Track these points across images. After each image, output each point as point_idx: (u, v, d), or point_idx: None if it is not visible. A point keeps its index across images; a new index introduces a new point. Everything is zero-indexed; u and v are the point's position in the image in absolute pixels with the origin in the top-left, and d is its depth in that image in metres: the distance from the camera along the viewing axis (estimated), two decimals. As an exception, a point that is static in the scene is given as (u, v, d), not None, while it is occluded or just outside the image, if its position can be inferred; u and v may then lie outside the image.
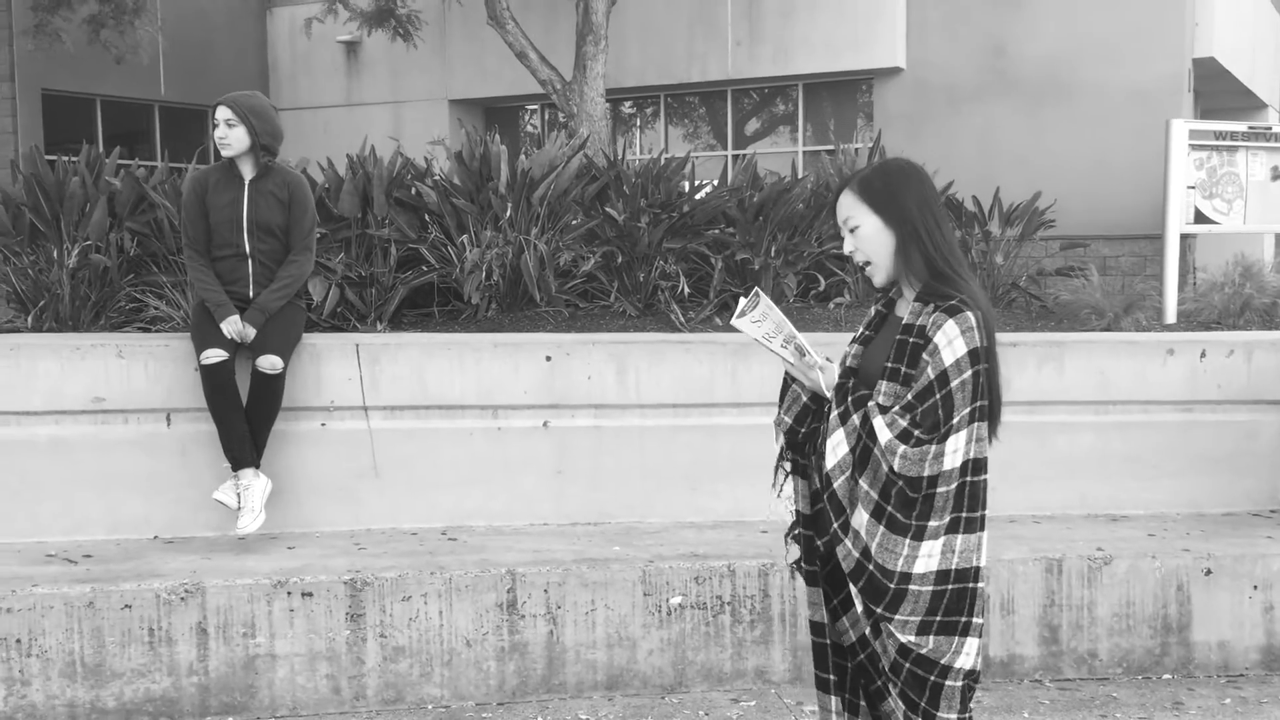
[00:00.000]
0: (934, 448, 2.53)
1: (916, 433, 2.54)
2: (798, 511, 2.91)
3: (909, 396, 2.58)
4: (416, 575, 4.42)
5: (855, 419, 2.62)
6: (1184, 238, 8.55)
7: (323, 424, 5.06)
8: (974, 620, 2.63)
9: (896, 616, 2.58)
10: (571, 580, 4.51)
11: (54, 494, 4.83)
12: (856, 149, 9.41)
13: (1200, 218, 8.18)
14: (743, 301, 2.78)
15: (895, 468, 2.54)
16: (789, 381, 2.88)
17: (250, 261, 4.96)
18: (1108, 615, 4.75)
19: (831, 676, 2.89)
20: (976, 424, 2.59)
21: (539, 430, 5.20)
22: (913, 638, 2.59)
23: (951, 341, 2.55)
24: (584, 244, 7.74)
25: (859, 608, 2.68)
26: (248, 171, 4.98)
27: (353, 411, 5.09)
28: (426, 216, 7.68)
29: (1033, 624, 4.72)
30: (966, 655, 2.63)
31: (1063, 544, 4.90)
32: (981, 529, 2.63)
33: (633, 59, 16.65)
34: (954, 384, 2.53)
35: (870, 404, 2.62)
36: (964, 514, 2.59)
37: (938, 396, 2.53)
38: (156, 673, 4.24)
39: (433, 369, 5.14)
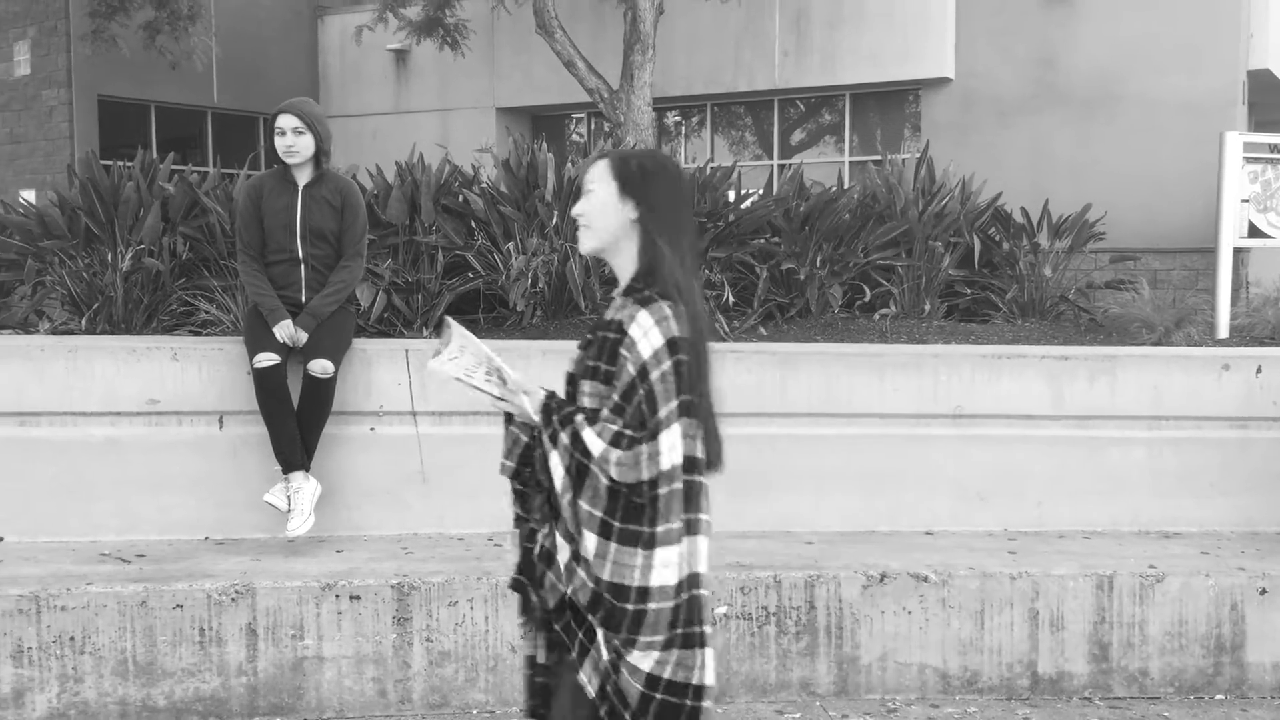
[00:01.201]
0: (647, 447, 2.37)
1: (628, 433, 2.38)
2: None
3: (615, 397, 2.43)
4: (463, 580, 4.44)
5: (564, 436, 2.45)
6: (1237, 251, 8.42)
7: (372, 428, 5.10)
8: (705, 630, 2.47)
9: (640, 638, 2.39)
10: (617, 588, 4.50)
11: (108, 494, 4.90)
12: (904, 159, 9.36)
13: (1254, 231, 8.05)
14: (436, 341, 2.57)
15: (614, 476, 2.38)
16: (507, 420, 2.63)
17: (303, 266, 4.99)
18: (1159, 633, 4.68)
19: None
20: (687, 420, 2.43)
21: (585, 438, 5.21)
22: (657, 656, 2.40)
23: (647, 332, 2.41)
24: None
25: (600, 640, 2.45)
26: (303, 177, 5.00)
27: (401, 417, 5.12)
28: (473, 223, 7.72)
29: (1082, 641, 4.66)
30: (708, 669, 2.47)
31: (1114, 560, 4.84)
32: (704, 533, 2.49)
33: (680, 68, 16.68)
34: (654, 376, 2.38)
35: (578, 417, 2.45)
36: (690, 515, 2.46)
37: (641, 392, 2.38)
38: (206, 672, 4.28)
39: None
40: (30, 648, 4.17)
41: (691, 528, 2.48)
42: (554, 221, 7.64)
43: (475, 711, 4.44)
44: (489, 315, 7.69)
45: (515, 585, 2.66)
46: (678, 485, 2.40)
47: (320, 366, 4.82)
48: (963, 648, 4.63)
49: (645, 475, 2.38)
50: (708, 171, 8.12)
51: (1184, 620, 4.69)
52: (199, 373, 4.98)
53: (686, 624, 2.44)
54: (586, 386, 2.50)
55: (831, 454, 5.30)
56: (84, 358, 4.92)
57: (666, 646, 2.41)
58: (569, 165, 7.95)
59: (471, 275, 7.57)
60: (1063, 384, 5.38)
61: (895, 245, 8.12)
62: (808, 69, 16.12)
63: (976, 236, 8.21)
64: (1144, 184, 13.60)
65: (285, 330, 4.84)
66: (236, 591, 4.29)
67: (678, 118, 18.34)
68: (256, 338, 4.86)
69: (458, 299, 7.61)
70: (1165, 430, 5.45)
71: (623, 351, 2.42)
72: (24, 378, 4.86)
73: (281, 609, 4.32)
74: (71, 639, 4.20)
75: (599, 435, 2.41)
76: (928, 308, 8.05)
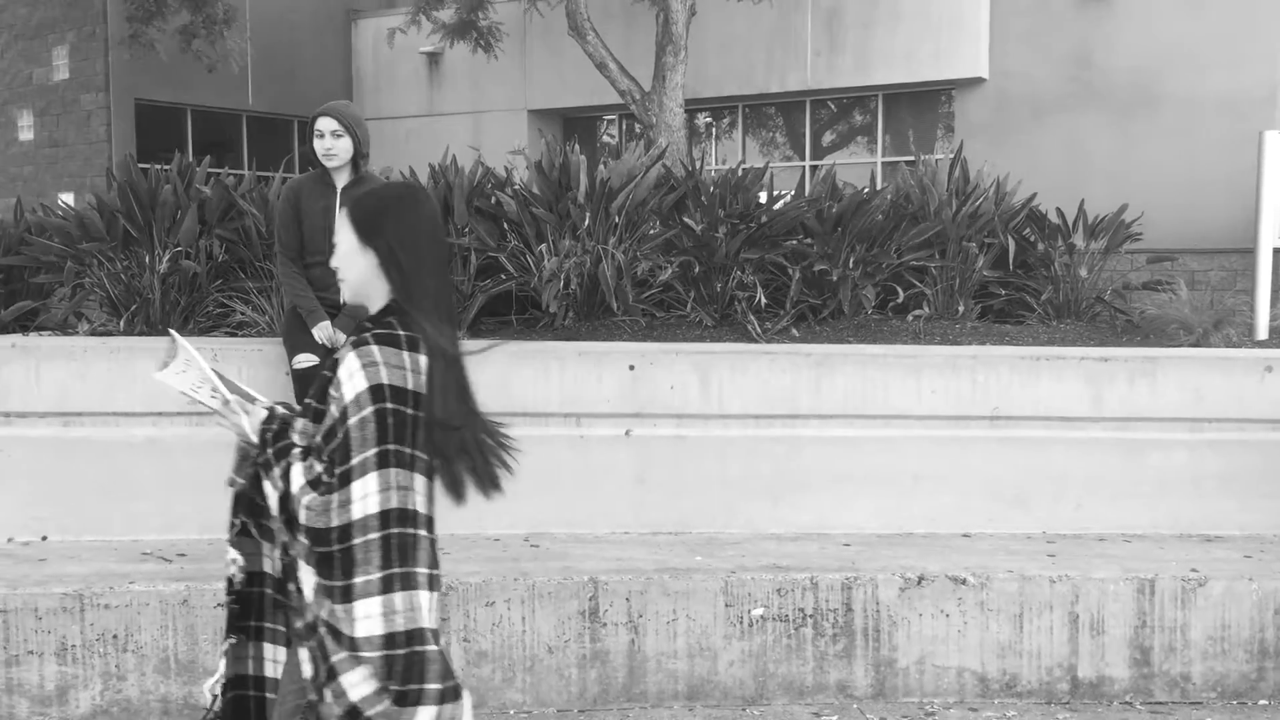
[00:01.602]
0: (338, 495, 2.28)
1: (325, 477, 2.31)
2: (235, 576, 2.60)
3: (318, 437, 2.36)
4: (500, 581, 4.46)
5: (277, 467, 2.39)
6: (1276, 252, 8.32)
7: (409, 429, 5.13)
8: (428, 687, 2.33)
9: (344, 678, 2.30)
10: (653, 589, 4.51)
11: (150, 493, 4.95)
12: (937, 159, 9.32)
13: (1295, 232, 7.96)
14: (163, 353, 2.55)
15: (302, 519, 2.31)
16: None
17: (327, 261, 5.05)
18: (1201, 638, 4.64)
19: None
20: (396, 470, 2.32)
21: (621, 439, 5.22)
22: (366, 693, 2.31)
23: (352, 375, 2.32)
24: (661, 254, 7.75)
25: (307, 671, 2.38)
26: (341, 180, 5.05)
27: (438, 417, 5.14)
28: (506, 225, 7.75)
29: (1123, 645, 4.62)
30: None
31: (1154, 564, 4.80)
32: (425, 588, 2.37)
33: (711, 69, 16.67)
34: (351, 422, 2.29)
35: (295, 449, 2.40)
36: (398, 569, 2.32)
37: (339, 436, 2.30)
38: (247, 671, 4.31)
39: (517, 376, 5.18)
40: (74, 645, 4.22)
41: (408, 581, 2.34)
42: (586, 223, 7.65)
43: (512, 712, 4.46)
44: (521, 317, 7.72)
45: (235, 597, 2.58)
46: (374, 536, 2.29)
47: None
48: (1001, 651, 4.60)
49: (334, 522, 2.29)
50: (739, 173, 8.12)
51: (1227, 625, 4.64)
52: (239, 373, 5.03)
53: (404, 680, 2.30)
54: (298, 423, 2.46)
55: (867, 456, 5.28)
56: (126, 358, 4.97)
57: (378, 695, 2.31)
58: (601, 167, 7.97)
59: (504, 277, 7.59)
60: (1102, 386, 5.34)
61: (929, 246, 8.08)
62: (840, 69, 16.08)
63: (1011, 237, 8.15)
64: (1182, 184, 13.48)
65: (324, 331, 4.90)
66: (276, 591, 4.33)
67: (709, 119, 18.33)
68: (295, 339, 4.92)
69: (490, 300, 7.64)
70: (1207, 433, 5.40)
71: (331, 391, 2.37)
72: (67, 379, 4.92)
73: (321, 608, 4.34)
74: (114, 637, 4.24)
75: (304, 472, 2.35)
76: (961, 309, 8.00)
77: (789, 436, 5.28)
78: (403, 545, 2.34)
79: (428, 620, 2.37)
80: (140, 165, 8.11)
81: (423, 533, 2.40)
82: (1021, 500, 5.32)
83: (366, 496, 2.29)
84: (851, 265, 7.79)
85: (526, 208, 7.74)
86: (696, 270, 7.72)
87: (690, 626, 4.53)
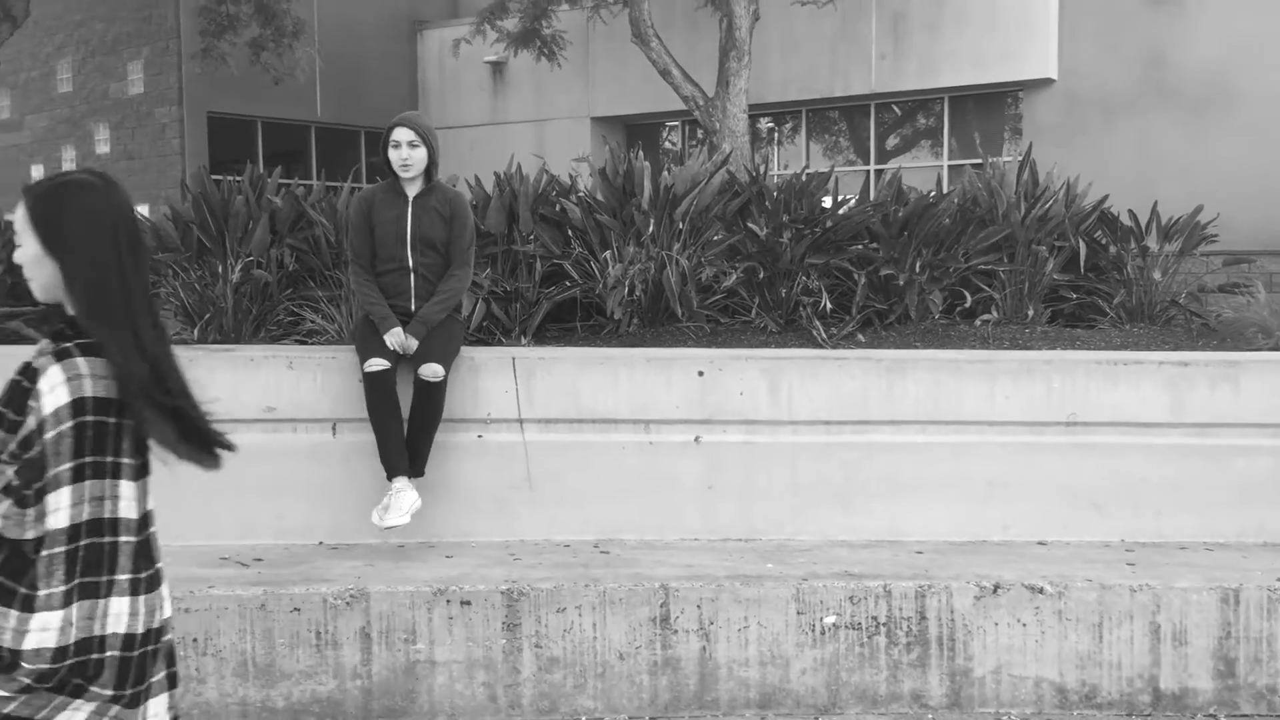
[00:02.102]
0: (34, 508, 2.24)
1: (18, 487, 2.26)
2: None
3: (13, 446, 2.29)
4: (571, 587, 4.47)
5: None
6: (1361, 253, 8.10)
7: (479, 436, 5.16)
8: (93, 689, 2.27)
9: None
10: (724, 596, 4.49)
11: (228, 499, 5.02)
12: (1006, 162, 9.20)
13: (1380, 232, 7.73)
14: None
15: None
16: None
17: (413, 275, 5.05)
18: (1288, 649, 4.51)
19: None
20: (92, 482, 2.26)
21: (690, 445, 5.21)
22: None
23: (54, 389, 2.25)
24: (725, 259, 7.73)
25: None
26: (412, 189, 5.06)
27: (508, 424, 5.18)
28: (570, 232, 7.78)
29: (1207, 656, 4.51)
30: None
31: (1239, 573, 4.68)
32: (125, 593, 2.31)
33: (774, 74, 16.62)
34: (49, 435, 2.23)
35: None
36: (83, 579, 2.26)
37: (37, 448, 2.25)
38: (322, 674, 4.37)
39: (586, 383, 5.19)
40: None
41: (93, 591, 2.29)
42: (650, 230, 7.66)
43: (584, 718, 4.46)
44: (586, 323, 7.74)
45: None
46: (63, 549, 2.25)
47: (431, 370, 4.87)
48: (1080, 661, 4.52)
49: (29, 534, 2.26)
50: (803, 178, 8.08)
51: (1314, 636, 4.51)
52: (313, 381, 5.09)
53: (60, 687, 2.25)
54: None
55: (939, 462, 5.22)
56: (205, 366, 5.05)
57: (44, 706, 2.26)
58: (665, 173, 7.97)
59: (569, 284, 7.63)
60: (1182, 391, 5.23)
61: (997, 250, 7.97)
62: (905, 72, 15.95)
63: (1082, 240, 8.03)
64: (1258, 184, 13.18)
65: (396, 338, 4.92)
66: (351, 596, 4.38)
67: (771, 124, 18.27)
68: (368, 344, 4.95)
69: (555, 307, 7.67)
70: (1291, 439, 5.25)
71: (30, 403, 2.31)
72: (147, 386, 5.01)
73: (394, 613, 4.39)
74: (195, 640, 4.32)
75: None
76: (1031, 313, 7.89)
77: (860, 443, 5.23)
78: (96, 555, 2.30)
79: (122, 625, 2.32)
80: (213, 176, 8.27)
81: (125, 538, 2.34)
82: (1099, 507, 5.22)
83: (58, 511, 2.26)
84: (918, 269, 7.71)
85: (591, 214, 7.77)
86: (761, 276, 7.69)
87: (762, 634, 4.50)
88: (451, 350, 5.07)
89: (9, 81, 20.46)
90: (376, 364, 4.83)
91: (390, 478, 4.86)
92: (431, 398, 4.90)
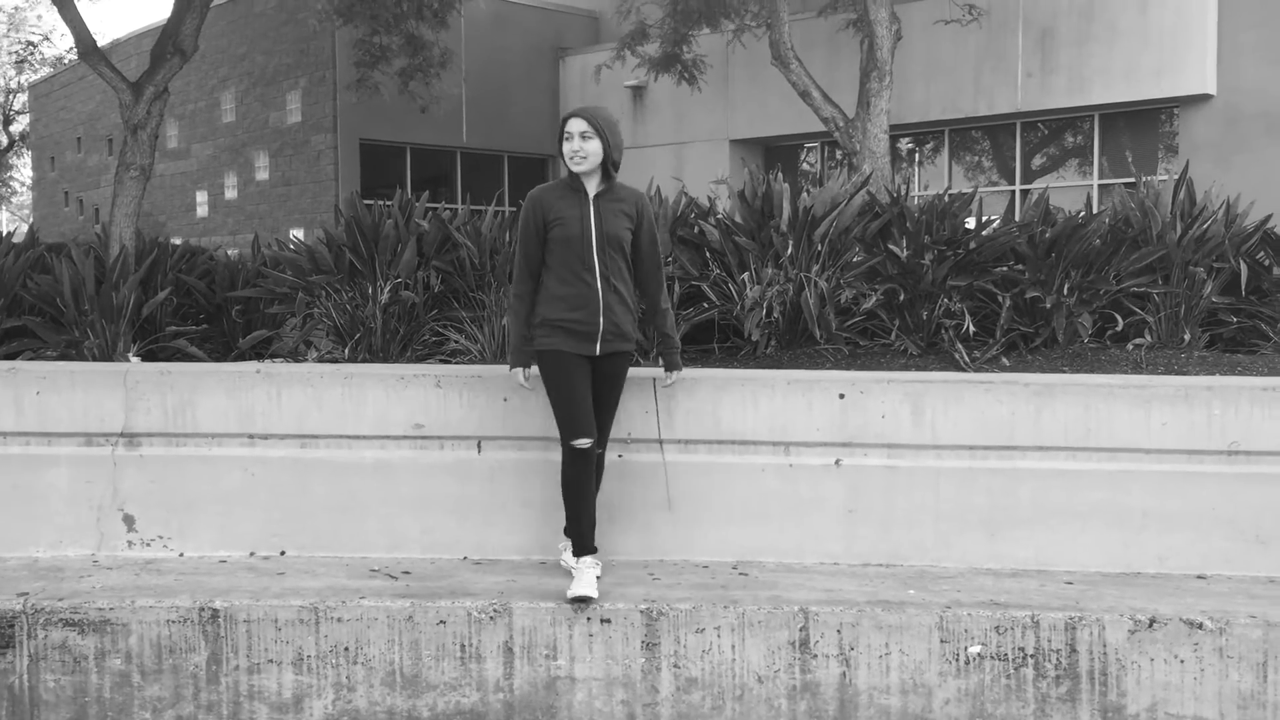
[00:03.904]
0: None
1: None
2: None
3: None
4: (709, 608, 4.47)
5: None
6: None
7: (620, 455, 5.21)
8: None
9: None
10: (865, 622, 4.43)
11: (377, 513, 5.19)
12: (1160, 181, 8.90)
13: None
14: None
15: None
16: None
17: (601, 283, 4.62)
18: None
19: None
20: None
21: (831, 468, 5.17)
22: None
23: None
24: (865, 281, 7.67)
25: None
26: (592, 187, 4.66)
27: (648, 444, 5.21)
28: (708, 254, 7.82)
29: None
30: None
31: None
32: None
33: (916, 94, 16.41)
34: None
35: None
36: None
37: None
38: (466, 687, 4.47)
39: (726, 404, 5.20)
40: (309, 656, 4.46)
41: None
42: (789, 251, 7.64)
43: (722, 740, 4.45)
44: (723, 345, 7.76)
45: None
46: None
47: (598, 449, 4.74)
48: (1243, 701, 4.31)
49: None
50: (946, 198, 7.95)
51: None
52: (459, 399, 5.22)
53: None
54: None
55: (1090, 490, 5.05)
56: (357, 384, 5.24)
57: None
58: (804, 195, 7.95)
59: (707, 305, 7.66)
60: (1354, 419, 4.96)
61: (1151, 271, 7.71)
62: (1053, 90, 15.56)
63: (1243, 261, 7.70)
64: None
65: (518, 376, 4.74)
66: (495, 610, 4.47)
67: (912, 144, 18.03)
68: (570, 405, 4.58)
69: (693, 329, 7.71)
70: None
71: None
72: (305, 403, 5.22)
73: (536, 629, 4.46)
74: (346, 649, 4.46)
75: None
76: (1187, 337, 7.59)
77: (1006, 469, 5.11)
78: None
79: None
80: (364, 201, 8.58)
81: None
82: (1264, 541, 4.98)
83: None
84: (1066, 292, 7.51)
85: (729, 236, 7.79)
86: (901, 298, 7.59)
87: (903, 661, 4.43)
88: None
89: (177, 112, 21.60)
90: (586, 442, 4.56)
91: (577, 555, 4.70)
92: (599, 468, 4.84)
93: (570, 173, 4.66)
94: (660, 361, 4.96)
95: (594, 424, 4.58)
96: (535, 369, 4.73)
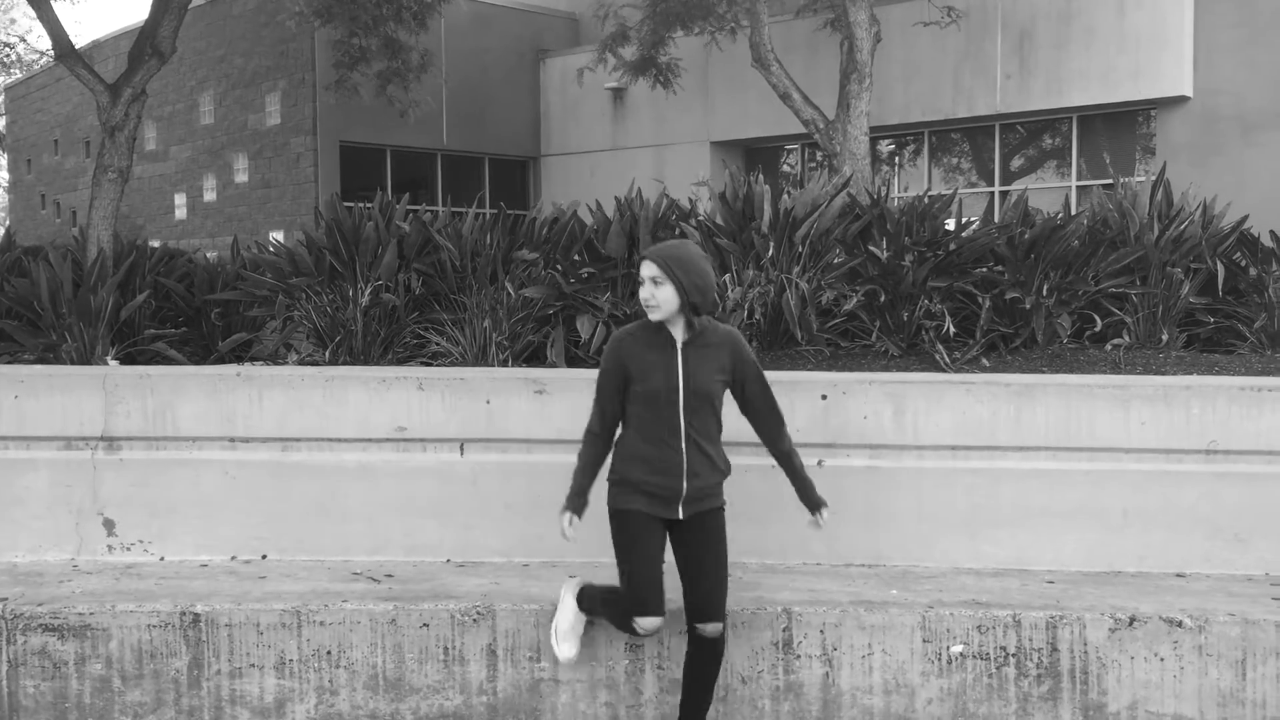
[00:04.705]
0: None
1: None
2: None
3: None
4: (693, 609, 4.47)
5: None
6: None
7: (602, 457, 5.21)
8: None
9: None
10: (848, 622, 4.45)
11: (359, 516, 5.17)
12: (1138, 182, 8.96)
13: None
14: None
15: None
16: None
17: (686, 446, 4.04)
18: None
19: None
20: None
21: (813, 469, 5.15)
22: None
23: None
24: (846, 283, 7.69)
25: None
26: (679, 334, 4.07)
27: (631, 446, 5.21)
28: (692, 256, 7.84)
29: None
30: None
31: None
32: None
33: (896, 96, 16.47)
34: None
35: None
36: None
37: None
38: (449, 690, 4.46)
39: (708, 406, 5.20)
40: (291, 660, 4.44)
41: None
42: (770, 253, 7.66)
43: (705, 741, 4.45)
44: (708, 346, 7.77)
45: None
46: None
47: (714, 629, 4.08)
48: (1222, 699, 4.34)
49: None
50: (926, 200, 7.99)
51: None
52: (442, 401, 5.21)
53: None
54: None
55: (1071, 490, 5.08)
56: (339, 387, 5.22)
57: None
58: (785, 196, 7.97)
59: (691, 307, 7.68)
60: (1330, 418, 5.01)
61: (1129, 272, 7.77)
62: (1031, 92, 15.65)
63: (1220, 262, 7.77)
64: None
65: (565, 519, 4.10)
66: (478, 613, 4.46)
67: (892, 146, 18.10)
68: (639, 576, 4.03)
69: (678, 330, 7.72)
70: None
71: None
72: (286, 405, 5.20)
73: (520, 631, 4.45)
74: (328, 653, 4.44)
75: None
76: (1165, 337, 7.65)
77: (987, 469, 5.13)
78: None
79: None
80: (344, 204, 8.55)
81: None
82: (1242, 539, 5.02)
83: None
84: (1045, 293, 7.55)
85: (710, 238, 7.81)
86: (882, 299, 7.62)
87: (886, 661, 4.44)
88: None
89: (155, 114, 21.48)
90: (651, 624, 4.04)
91: None
92: (714, 653, 4.13)
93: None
94: (805, 504, 4.33)
95: (664, 600, 4.02)
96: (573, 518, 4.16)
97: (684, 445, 4.03)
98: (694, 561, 4.11)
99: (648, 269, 4.01)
